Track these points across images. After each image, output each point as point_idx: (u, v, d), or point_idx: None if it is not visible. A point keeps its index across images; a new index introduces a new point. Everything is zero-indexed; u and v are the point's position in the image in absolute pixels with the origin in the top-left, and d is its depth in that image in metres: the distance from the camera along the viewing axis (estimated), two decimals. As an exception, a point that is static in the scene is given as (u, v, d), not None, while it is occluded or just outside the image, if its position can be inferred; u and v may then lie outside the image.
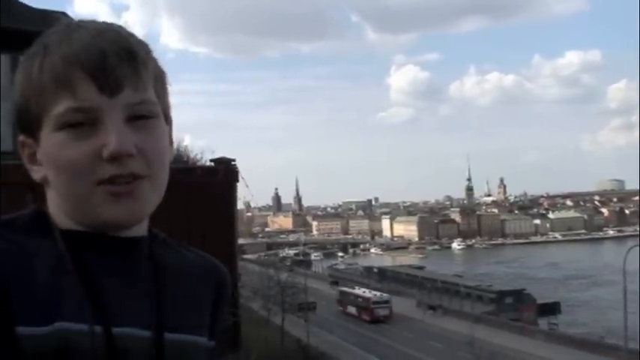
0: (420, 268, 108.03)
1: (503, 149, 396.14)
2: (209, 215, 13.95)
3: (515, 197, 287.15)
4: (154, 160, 1.05)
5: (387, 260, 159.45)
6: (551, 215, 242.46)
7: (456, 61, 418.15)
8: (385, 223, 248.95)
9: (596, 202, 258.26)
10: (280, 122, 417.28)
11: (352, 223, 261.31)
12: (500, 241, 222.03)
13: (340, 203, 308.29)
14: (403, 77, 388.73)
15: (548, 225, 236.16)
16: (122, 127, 1.02)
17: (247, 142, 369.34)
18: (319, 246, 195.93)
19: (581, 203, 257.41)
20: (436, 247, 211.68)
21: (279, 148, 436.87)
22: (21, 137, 1.09)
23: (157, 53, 1.12)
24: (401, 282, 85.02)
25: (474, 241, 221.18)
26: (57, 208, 1.08)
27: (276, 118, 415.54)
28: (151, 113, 1.06)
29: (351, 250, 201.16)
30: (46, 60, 1.03)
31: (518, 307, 65.23)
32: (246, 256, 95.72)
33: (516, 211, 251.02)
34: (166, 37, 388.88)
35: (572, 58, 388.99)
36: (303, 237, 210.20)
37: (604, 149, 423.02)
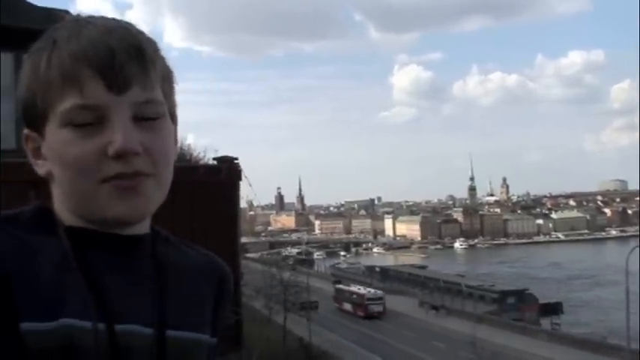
0: (423, 267, 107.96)
1: (506, 149, 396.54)
2: (212, 214, 13.95)
3: (518, 197, 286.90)
4: (159, 159, 1.05)
5: (389, 260, 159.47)
6: (553, 215, 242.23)
7: (459, 60, 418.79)
8: (388, 222, 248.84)
9: (599, 202, 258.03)
10: (283, 121, 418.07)
11: (355, 222, 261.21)
12: (502, 240, 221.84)
13: (343, 202, 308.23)
14: (406, 77, 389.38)
15: (550, 225, 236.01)
16: (129, 125, 1.01)
17: (250, 141, 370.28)
18: (322, 245, 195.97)
19: (584, 203, 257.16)
20: (438, 246, 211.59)
21: (282, 147, 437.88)
22: (26, 131, 1.09)
23: (163, 52, 1.12)
24: (403, 281, 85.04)
25: (476, 240, 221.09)
26: (61, 204, 1.07)
27: (280, 117, 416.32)
28: (157, 113, 1.06)
29: (353, 250, 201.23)
30: (54, 55, 1.02)
31: (520, 307, 65.15)
32: (248, 255, 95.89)
33: (519, 211, 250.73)
34: (170, 36, 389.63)
35: (575, 57, 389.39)
36: (305, 236, 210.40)
37: (607, 149, 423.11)
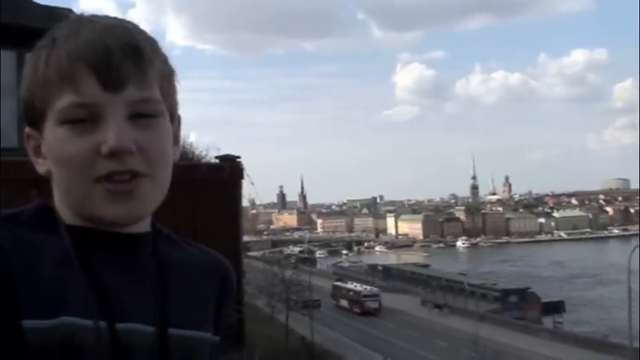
0: (425, 266, 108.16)
1: (508, 148, 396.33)
2: (214, 212, 13.94)
3: (520, 196, 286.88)
4: (155, 158, 1.05)
5: (391, 258, 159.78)
6: (556, 214, 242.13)
7: (462, 59, 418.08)
8: (390, 221, 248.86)
9: (601, 201, 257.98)
10: (285, 120, 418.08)
11: (357, 221, 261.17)
12: (504, 239, 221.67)
13: (345, 201, 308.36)
14: (409, 75, 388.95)
15: (553, 224, 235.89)
16: (123, 123, 1.02)
17: (253, 140, 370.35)
18: (324, 244, 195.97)
19: (586, 202, 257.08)
20: (441, 245, 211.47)
21: (285, 145, 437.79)
22: (27, 129, 1.10)
23: (165, 51, 1.12)
24: (405, 280, 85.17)
25: (478, 239, 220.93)
26: (60, 202, 1.08)
27: (282, 116, 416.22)
28: (154, 112, 1.06)
29: (355, 248, 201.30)
30: (53, 54, 1.03)
31: (522, 306, 65.20)
32: (250, 254, 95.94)
33: (521, 210, 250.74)
34: (172, 35, 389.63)
35: (577, 56, 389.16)
36: (307, 235, 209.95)
37: (609, 148, 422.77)
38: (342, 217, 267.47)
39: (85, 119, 1.01)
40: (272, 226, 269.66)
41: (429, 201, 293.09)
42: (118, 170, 1.01)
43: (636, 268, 38.15)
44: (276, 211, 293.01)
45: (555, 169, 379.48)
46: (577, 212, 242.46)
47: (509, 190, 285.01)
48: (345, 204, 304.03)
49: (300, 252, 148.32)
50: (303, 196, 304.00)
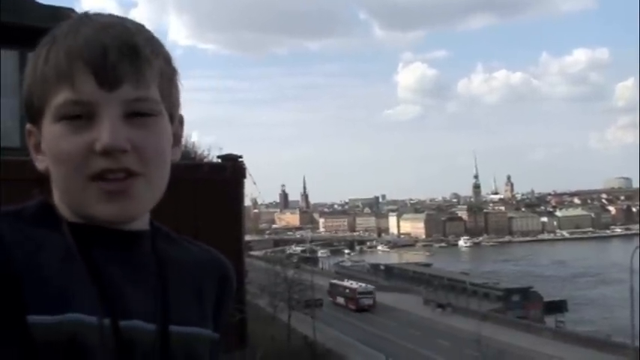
0: (427, 265, 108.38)
1: (510, 147, 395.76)
2: (216, 212, 13.94)
3: (523, 195, 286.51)
4: (150, 158, 1.05)
5: (393, 257, 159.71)
6: (558, 213, 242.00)
7: (464, 58, 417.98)
8: (392, 220, 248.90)
9: (604, 200, 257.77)
10: (288, 119, 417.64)
11: (359, 220, 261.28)
12: (507, 238, 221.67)
13: (347, 200, 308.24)
14: (411, 75, 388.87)
15: (555, 223, 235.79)
16: (117, 122, 1.02)
17: (255, 139, 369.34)
18: (326, 243, 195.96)
19: (589, 201, 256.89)
20: (443, 244, 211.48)
21: (287, 145, 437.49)
22: (28, 126, 1.11)
23: (168, 51, 1.12)
24: (408, 279, 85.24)
25: (480, 238, 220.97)
26: (59, 200, 1.09)
27: (284, 115, 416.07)
28: (151, 111, 1.06)
29: (357, 248, 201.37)
30: (52, 51, 1.04)
31: (525, 305, 65.23)
32: (253, 253, 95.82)
33: (523, 209, 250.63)
34: (174, 34, 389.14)
35: (579, 55, 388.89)
36: (309, 234, 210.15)
37: (611, 147, 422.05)
38: (345, 217, 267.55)
39: (80, 116, 1.02)
40: (274, 226, 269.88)
41: (431, 200, 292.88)
42: (111, 168, 1.02)
43: (638, 267, 38.09)
44: (279, 210, 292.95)
45: (557, 168, 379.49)
46: (579, 211, 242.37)
47: (512, 190, 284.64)
48: (347, 203, 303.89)
49: (302, 251, 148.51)
50: (305, 196, 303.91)
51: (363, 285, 73.12)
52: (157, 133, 1.06)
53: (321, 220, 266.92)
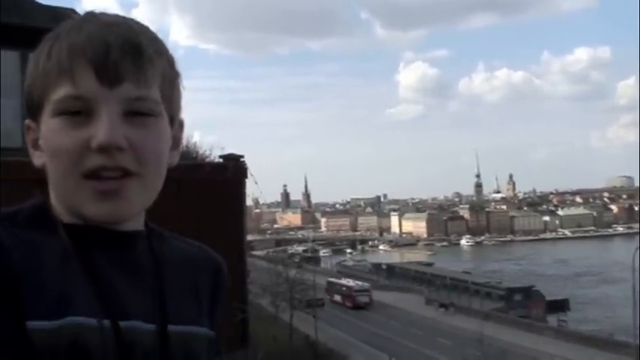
0: (429, 264, 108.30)
1: (512, 146, 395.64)
2: (218, 211, 13.96)
3: (525, 194, 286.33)
4: (146, 158, 1.04)
5: (395, 257, 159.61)
6: (560, 212, 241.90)
7: (465, 57, 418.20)
8: (394, 219, 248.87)
9: (606, 199, 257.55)
10: (289, 119, 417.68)
11: (361, 219, 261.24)
12: (509, 237, 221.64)
13: (349, 200, 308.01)
14: (412, 74, 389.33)
15: (557, 222, 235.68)
16: (116, 119, 1.01)
17: (256, 139, 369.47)
18: (328, 242, 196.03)
19: (591, 200, 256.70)
20: (445, 243, 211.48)
21: (288, 144, 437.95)
22: (27, 121, 1.11)
23: (171, 54, 1.12)
24: (409, 279, 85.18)
25: (482, 237, 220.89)
26: (55, 198, 1.08)
27: (285, 115, 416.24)
28: (150, 111, 1.05)
29: (359, 247, 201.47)
30: (55, 47, 1.04)
31: (527, 304, 65.16)
32: (254, 253, 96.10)
33: (525, 208, 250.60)
34: (176, 34, 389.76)
35: (581, 54, 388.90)
36: (311, 233, 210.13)
37: (613, 146, 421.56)
38: (346, 216, 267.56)
39: (79, 112, 1.02)
40: (276, 225, 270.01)
41: (432, 199, 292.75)
42: (106, 166, 1.01)
43: (641, 266, 38.05)
44: (280, 210, 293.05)
45: (559, 167, 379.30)
46: (581, 210, 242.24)
47: (514, 189, 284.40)
48: (349, 203, 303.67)
49: (304, 251, 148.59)
50: (307, 195, 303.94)
51: (360, 283, 74.64)
52: (155, 133, 1.06)
53: (323, 220, 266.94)
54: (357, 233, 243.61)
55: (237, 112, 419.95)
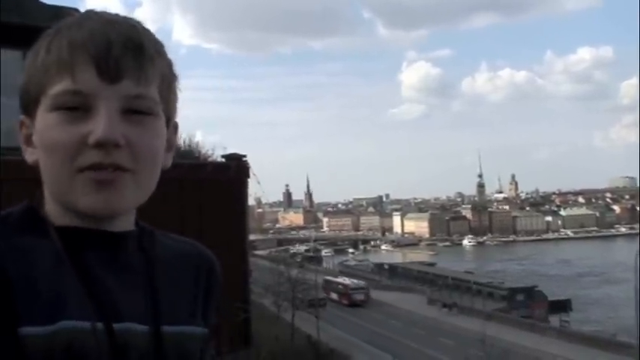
0: (431, 264, 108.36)
1: (514, 146, 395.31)
2: (220, 211, 13.93)
3: (527, 194, 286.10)
4: (142, 156, 1.04)
5: (397, 257, 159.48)
6: (562, 212, 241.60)
7: (468, 57, 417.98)
8: (396, 219, 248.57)
9: (608, 199, 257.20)
10: (292, 118, 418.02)
11: (363, 219, 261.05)
12: (511, 238, 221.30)
13: (351, 200, 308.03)
14: (415, 74, 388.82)
15: (559, 222, 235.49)
16: (114, 116, 1.01)
17: (259, 139, 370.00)
18: (330, 242, 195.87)
19: (593, 200, 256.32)
20: (447, 243, 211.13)
21: (291, 144, 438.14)
22: (21, 116, 1.10)
23: (169, 49, 1.11)
24: (412, 279, 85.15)
25: (485, 238, 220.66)
26: (49, 195, 1.08)
27: (288, 115, 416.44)
28: (149, 110, 1.05)
29: (361, 247, 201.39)
30: (55, 41, 1.04)
31: (529, 305, 65.10)
32: (256, 252, 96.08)
33: (528, 208, 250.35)
34: (178, 34, 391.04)
35: (584, 54, 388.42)
36: (313, 233, 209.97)
37: (616, 146, 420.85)
38: (348, 216, 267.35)
39: (77, 108, 1.01)
40: (278, 225, 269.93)
41: (435, 199, 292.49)
42: (102, 162, 1.00)
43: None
44: (282, 209, 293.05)
45: (562, 167, 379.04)
46: (584, 210, 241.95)
47: (516, 189, 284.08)
48: (351, 202, 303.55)
49: (306, 251, 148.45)
50: (309, 195, 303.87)
51: (355, 281, 76.39)
52: (152, 132, 1.05)
53: (325, 220, 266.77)
54: (359, 233, 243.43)
55: (239, 112, 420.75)
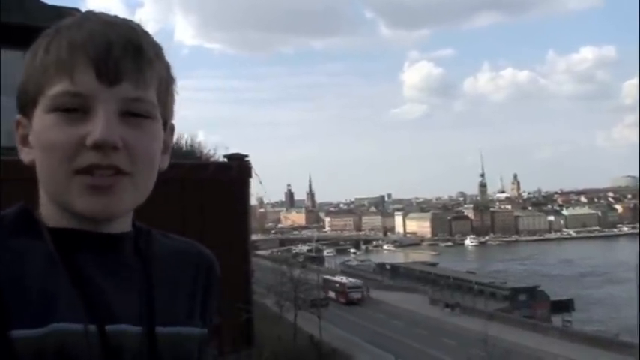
0: (433, 264, 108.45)
1: (516, 145, 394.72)
2: (222, 211, 13.90)
3: (529, 194, 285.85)
4: (140, 158, 1.03)
5: (399, 257, 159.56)
6: (565, 212, 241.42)
7: (470, 57, 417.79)
8: (398, 219, 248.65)
9: (610, 199, 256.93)
10: (293, 118, 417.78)
11: (365, 219, 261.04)
12: (513, 237, 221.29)
13: (353, 200, 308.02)
14: (417, 73, 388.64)
15: (562, 222, 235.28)
16: (113, 118, 1.01)
17: (261, 139, 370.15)
18: (332, 242, 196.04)
19: (595, 200, 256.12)
20: (449, 243, 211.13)
21: (293, 144, 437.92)
22: (18, 116, 1.09)
23: (172, 50, 1.10)
24: (414, 279, 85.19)
25: (487, 237, 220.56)
26: (44, 195, 1.07)
27: (290, 115, 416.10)
28: (147, 113, 1.05)
29: (363, 247, 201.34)
30: (54, 41, 1.03)
31: (531, 304, 65.11)
32: (259, 252, 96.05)
33: (530, 208, 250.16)
34: (181, 34, 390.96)
35: (586, 53, 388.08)
36: (315, 233, 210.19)
37: (618, 146, 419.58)
38: (350, 216, 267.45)
39: (75, 109, 1.01)
40: (280, 225, 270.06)
41: (437, 199, 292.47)
42: (99, 164, 1.00)
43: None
44: (284, 209, 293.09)
45: (564, 167, 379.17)
46: (586, 210, 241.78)
47: (518, 188, 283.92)
48: (353, 202, 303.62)
49: (309, 250, 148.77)
50: (311, 195, 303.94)
51: (352, 280, 78.12)
52: (150, 135, 1.05)
53: (327, 220, 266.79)
54: (361, 233, 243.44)
55: (241, 112, 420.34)
